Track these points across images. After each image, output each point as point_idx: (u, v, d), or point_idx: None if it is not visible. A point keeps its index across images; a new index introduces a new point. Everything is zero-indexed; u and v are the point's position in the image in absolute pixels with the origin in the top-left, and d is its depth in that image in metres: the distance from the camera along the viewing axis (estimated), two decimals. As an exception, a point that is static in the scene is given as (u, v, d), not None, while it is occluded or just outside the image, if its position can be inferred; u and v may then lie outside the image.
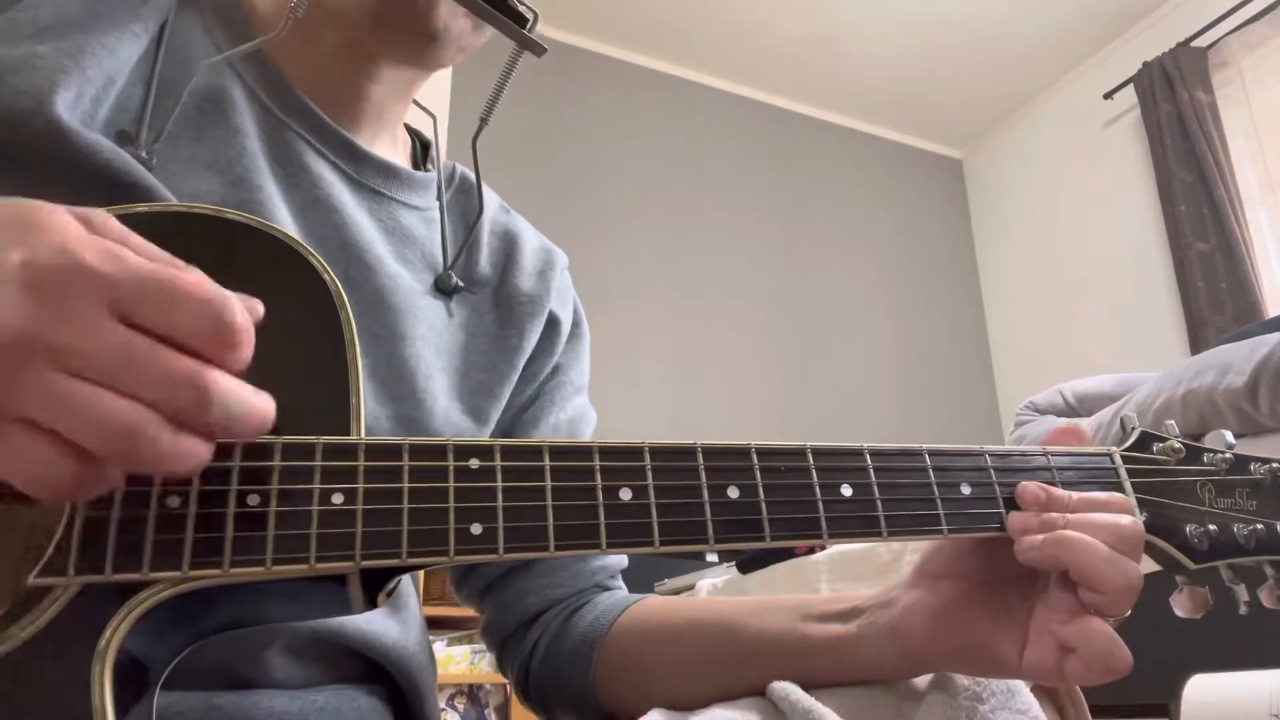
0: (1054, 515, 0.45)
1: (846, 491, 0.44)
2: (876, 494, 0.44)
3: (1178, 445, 0.51)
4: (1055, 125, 3.95)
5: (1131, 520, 0.44)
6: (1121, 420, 0.51)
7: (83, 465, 0.31)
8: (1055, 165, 3.92)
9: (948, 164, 4.40)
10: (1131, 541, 0.43)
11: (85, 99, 0.51)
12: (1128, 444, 0.51)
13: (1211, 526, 0.48)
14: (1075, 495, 0.46)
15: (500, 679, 2.47)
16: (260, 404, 0.35)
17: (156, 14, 0.57)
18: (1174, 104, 3.28)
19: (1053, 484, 0.47)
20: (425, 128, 0.73)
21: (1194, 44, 3.31)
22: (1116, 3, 3.53)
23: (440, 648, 2.44)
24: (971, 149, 4.39)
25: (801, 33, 3.65)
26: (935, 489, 0.45)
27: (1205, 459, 0.51)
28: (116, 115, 0.53)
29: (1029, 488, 0.46)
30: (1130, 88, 3.52)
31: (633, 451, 0.42)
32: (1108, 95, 3.62)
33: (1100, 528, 0.43)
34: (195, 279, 0.33)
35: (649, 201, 3.56)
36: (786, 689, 0.47)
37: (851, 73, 3.88)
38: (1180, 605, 0.47)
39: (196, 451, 0.33)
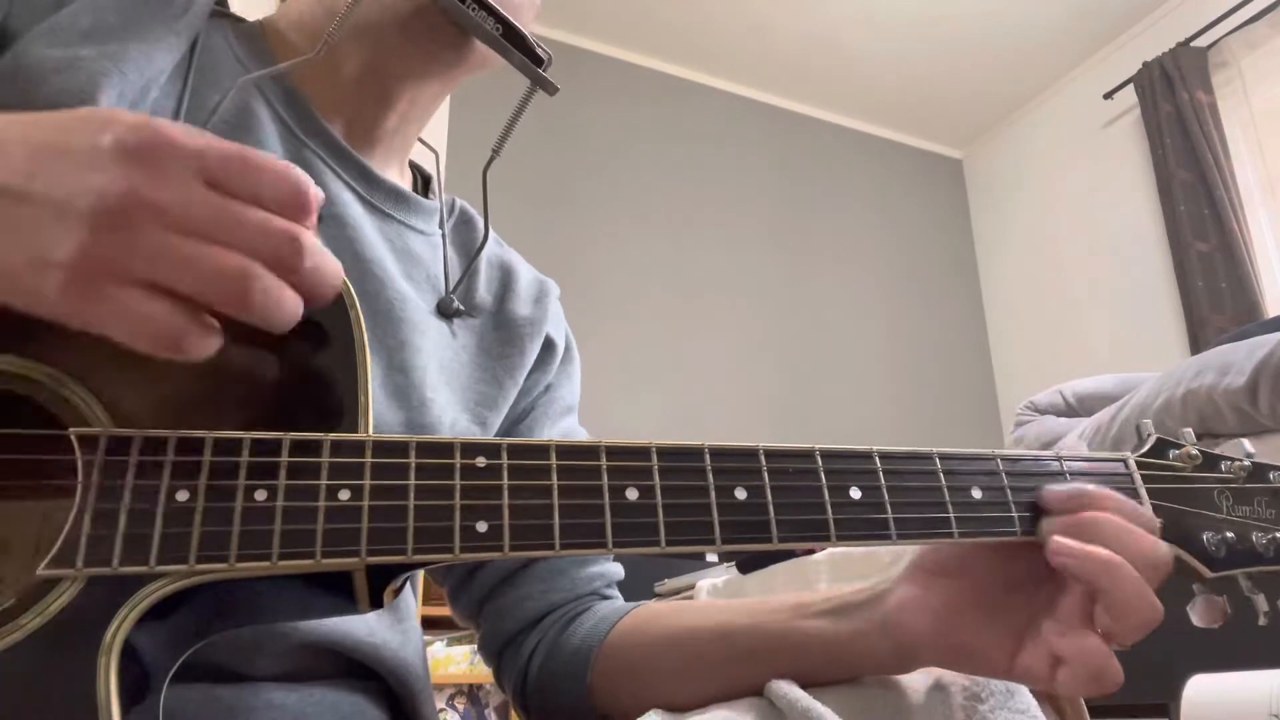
0: (1091, 516, 0.43)
1: (855, 494, 0.43)
2: (886, 497, 0.43)
3: (1194, 452, 0.50)
4: (1055, 125, 3.95)
5: (1167, 549, 0.43)
6: (1137, 426, 0.50)
7: (193, 318, 0.34)
8: (1055, 165, 3.92)
9: (948, 164, 4.40)
10: (1160, 572, 0.42)
11: (125, 102, 0.53)
12: (1143, 450, 0.50)
13: (1229, 534, 0.47)
14: (1108, 493, 0.44)
15: (500, 678, 2.46)
16: (335, 261, 0.38)
17: (189, 29, 0.60)
18: (1174, 104, 3.28)
19: None
20: (426, 163, 0.76)
21: (1194, 44, 3.31)
22: (1116, 3, 3.53)
23: (440, 648, 2.44)
24: (971, 149, 4.39)
25: (802, 33, 3.65)
26: (946, 492, 0.44)
27: (1223, 467, 0.50)
28: None
29: (1057, 492, 0.45)
30: (1130, 88, 3.52)
31: (640, 452, 0.41)
32: (1108, 95, 3.62)
33: (1136, 552, 0.42)
34: (268, 154, 0.36)
35: (648, 201, 3.55)
36: (785, 688, 0.46)
37: (851, 73, 3.88)
38: (1198, 615, 0.46)
39: (295, 299, 0.36)
